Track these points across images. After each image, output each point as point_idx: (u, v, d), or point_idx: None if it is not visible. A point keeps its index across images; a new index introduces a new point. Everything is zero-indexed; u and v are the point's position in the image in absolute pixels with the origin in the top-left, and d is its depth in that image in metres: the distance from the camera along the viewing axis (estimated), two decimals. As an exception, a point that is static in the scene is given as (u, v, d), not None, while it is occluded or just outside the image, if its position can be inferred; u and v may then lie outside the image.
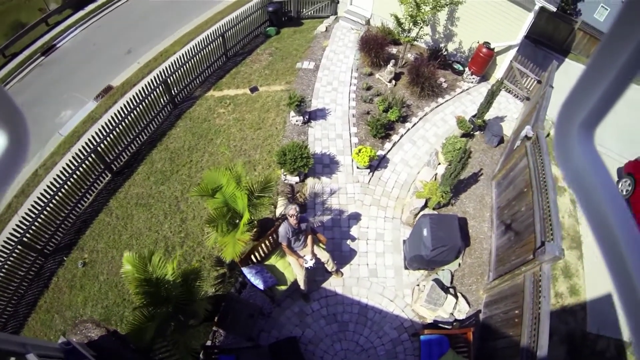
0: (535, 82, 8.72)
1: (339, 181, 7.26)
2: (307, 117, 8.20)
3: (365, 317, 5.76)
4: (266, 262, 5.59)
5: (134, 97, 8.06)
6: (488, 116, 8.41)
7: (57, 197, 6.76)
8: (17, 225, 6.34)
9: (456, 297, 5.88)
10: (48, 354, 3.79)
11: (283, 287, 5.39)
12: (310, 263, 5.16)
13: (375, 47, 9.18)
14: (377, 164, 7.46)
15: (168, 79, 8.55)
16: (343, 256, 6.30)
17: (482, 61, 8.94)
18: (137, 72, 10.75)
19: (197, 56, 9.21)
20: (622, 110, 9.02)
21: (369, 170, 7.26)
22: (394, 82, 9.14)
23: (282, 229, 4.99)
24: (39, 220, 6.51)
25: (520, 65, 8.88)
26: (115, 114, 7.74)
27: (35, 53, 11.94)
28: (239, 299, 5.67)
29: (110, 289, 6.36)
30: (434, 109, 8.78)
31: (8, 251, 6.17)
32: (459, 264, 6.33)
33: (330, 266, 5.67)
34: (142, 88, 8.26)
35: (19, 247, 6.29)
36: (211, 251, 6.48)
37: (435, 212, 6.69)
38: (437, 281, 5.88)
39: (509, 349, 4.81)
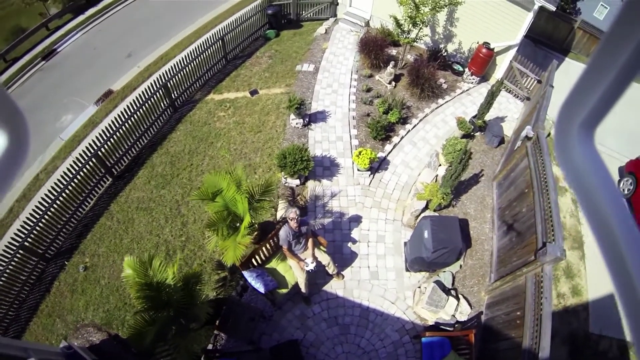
0: (536, 81, 8.72)
1: (340, 183, 7.26)
2: (307, 119, 8.20)
3: (366, 320, 5.74)
4: (267, 266, 5.58)
5: (134, 101, 8.09)
6: (488, 117, 8.41)
7: (58, 202, 6.77)
8: (19, 230, 6.36)
9: (457, 298, 5.86)
10: (50, 358, 3.79)
11: (284, 290, 5.38)
12: (311, 266, 5.15)
13: (375, 48, 9.19)
14: (377, 166, 7.46)
15: (168, 83, 8.57)
16: (344, 259, 6.29)
17: (482, 61, 8.95)
18: (137, 76, 10.80)
19: (197, 59, 9.24)
20: (624, 109, 8.99)
21: (369, 172, 7.25)
22: (393, 83, 9.15)
23: (283, 232, 4.99)
24: (41, 224, 6.52)
25: (520, 65, 8.88)
26: (115, 118, 7.77)
27: (35, 58, 12.02)
28: (240, 302, 5.66)
29: (112, 293, 6.35)
30: (434, 110, 8.78)
31: (10, 256, 6.17)
32: (460, 266, 6.31)
33: (331, 269, 5.65)
34: (143, 92, 8.29)
35: (21, 251, 6.30)
36: (212, 255, 6.47)
37: (436, 213, 6.68)
38: (439, 283, 5.86)
39: (511, 351, 4.78)
